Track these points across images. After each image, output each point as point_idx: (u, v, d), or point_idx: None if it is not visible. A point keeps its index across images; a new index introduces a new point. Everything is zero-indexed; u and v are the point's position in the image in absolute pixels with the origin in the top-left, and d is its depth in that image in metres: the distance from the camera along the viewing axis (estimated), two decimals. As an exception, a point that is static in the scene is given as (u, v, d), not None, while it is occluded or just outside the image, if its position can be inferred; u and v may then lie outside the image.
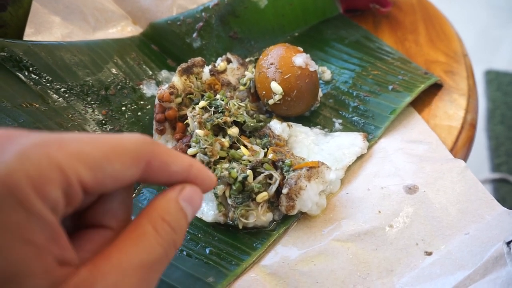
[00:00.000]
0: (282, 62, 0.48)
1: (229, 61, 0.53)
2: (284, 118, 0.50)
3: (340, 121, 0.51)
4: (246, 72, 0.52)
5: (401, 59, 0.56)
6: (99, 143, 0.23)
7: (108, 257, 0.22)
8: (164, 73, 0.56)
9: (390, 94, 0.51)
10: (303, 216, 0.43)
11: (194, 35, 0.58)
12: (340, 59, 0.57)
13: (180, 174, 0.26)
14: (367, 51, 0.58)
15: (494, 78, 1.45)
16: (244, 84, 0.51)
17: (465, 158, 0.48)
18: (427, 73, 0.53)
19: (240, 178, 0.41)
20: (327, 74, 0.55)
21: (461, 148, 0.48)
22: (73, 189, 0.21)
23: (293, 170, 0.42)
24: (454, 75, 0.55)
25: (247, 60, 0.56)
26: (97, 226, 0.25)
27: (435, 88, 0.53)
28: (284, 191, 0.41)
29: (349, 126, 0.50)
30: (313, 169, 0.41)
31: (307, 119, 0.52)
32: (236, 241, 0.42)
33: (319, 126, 0.51)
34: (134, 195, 0.47)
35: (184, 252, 0.41)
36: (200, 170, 0.27)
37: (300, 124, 0.50)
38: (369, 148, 0.47)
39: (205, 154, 0.42)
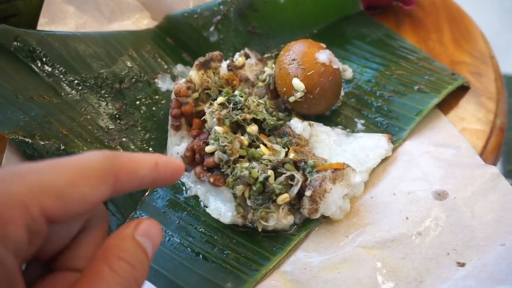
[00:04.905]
0: (305, 58, 0.46)
1: (247, 56, 0.51)
2: (303, 117, 0.48)
3: (363, 121, 0.49)
4: (266, 68, 0.50)
5: (426, 58, 0.54)
6: (62, 170, 0.22)
7: None
8: (179, 67, 0.54)
9: (416, 95, 0.49)
10: (325, 220, 0.41)
11: (212, 29, 0.56)
12: (361, 58, 0.55)
13: (149, 176, 0.26)
14: (390, 50, 0.56)
15: (506, 83, 1.42)
16: (263, 81, 0.49)
17: (494, 164, 0.46)
18: (454, 74, 0.51)
19: (261, 179, 0.39)
20: (348, 72, 0.53)
21: (491, 153, 0.45)
22: (37, 223, 0.21)
23: (317, 172, 0.40)
24: (481, 77, 0.53)
25: (264, 56, 0.54)
26: (68, 269, 0.24)
27: (461, 90, 0.51)
28: (308, 193, 0.39)
29: (372, 127, 0.48)
30: (338, 171, 0.39)
31: (328, 118, 0.49)
32: (255, 244, 0.40)
33: (340, 126, 0.49)
34: (147, 194, 0.45)
35: (201, 255, 0.39)
36: (166, 163, 0.27)
37: (321, 124, 0.48)
38: (394, 150, 0.45)
39: (225, 152, 0.41)
